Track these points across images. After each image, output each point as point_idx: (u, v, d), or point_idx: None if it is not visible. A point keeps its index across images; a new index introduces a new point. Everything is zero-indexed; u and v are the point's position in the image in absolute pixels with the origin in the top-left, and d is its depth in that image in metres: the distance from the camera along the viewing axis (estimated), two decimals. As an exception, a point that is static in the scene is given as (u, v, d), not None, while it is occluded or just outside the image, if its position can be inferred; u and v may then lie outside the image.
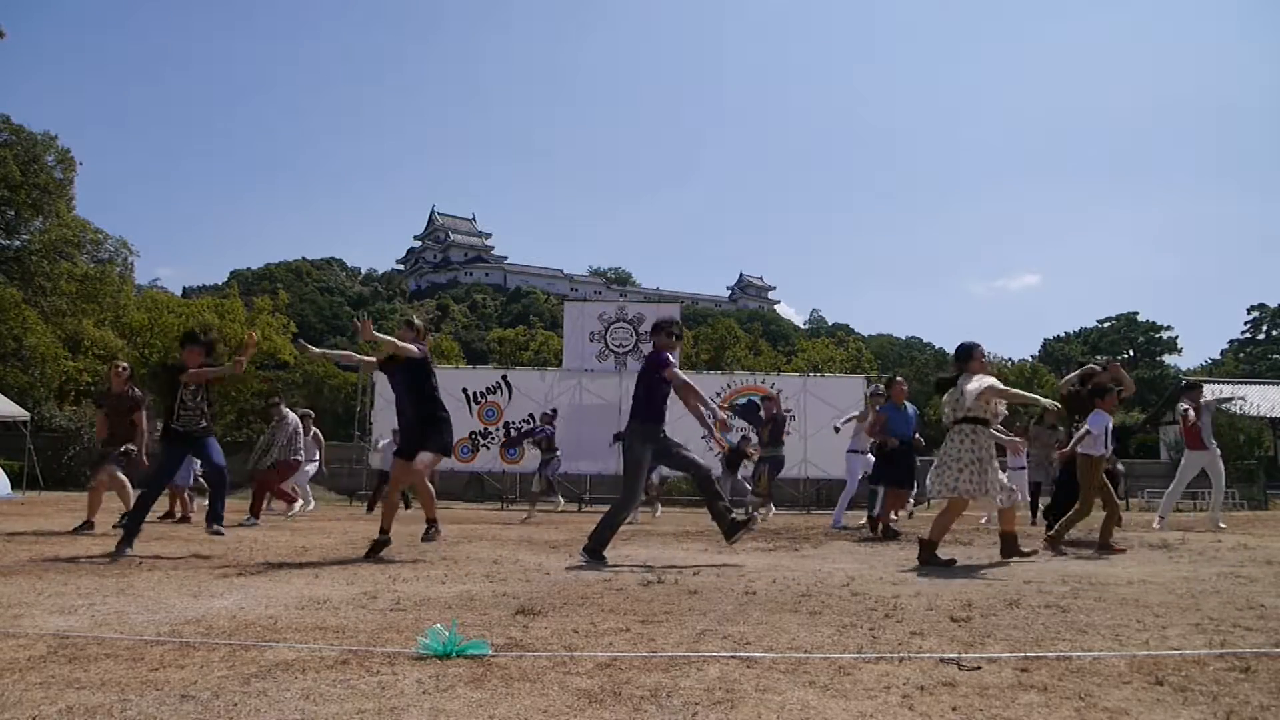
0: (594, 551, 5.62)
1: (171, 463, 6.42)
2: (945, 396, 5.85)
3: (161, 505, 10.24)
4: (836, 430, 11.38)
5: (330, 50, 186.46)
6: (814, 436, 18.36)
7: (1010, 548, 5.91)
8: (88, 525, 7.71)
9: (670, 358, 6.03)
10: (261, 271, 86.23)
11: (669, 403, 6.07)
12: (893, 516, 8.70)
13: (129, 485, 8.12)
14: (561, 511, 14.09)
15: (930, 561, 5.45)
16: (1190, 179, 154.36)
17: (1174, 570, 5.22)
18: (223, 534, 6.81)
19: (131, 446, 8.12)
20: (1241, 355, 53.11)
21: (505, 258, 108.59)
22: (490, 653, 2.65)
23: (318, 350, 6.67)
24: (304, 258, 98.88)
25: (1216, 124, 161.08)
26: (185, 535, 7.66)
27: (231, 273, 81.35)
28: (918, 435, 8.79)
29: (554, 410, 14.48)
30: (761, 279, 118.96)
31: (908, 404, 8.69)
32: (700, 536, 8.22)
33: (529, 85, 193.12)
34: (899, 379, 9.17)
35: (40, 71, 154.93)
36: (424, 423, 5.80)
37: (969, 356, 5.88)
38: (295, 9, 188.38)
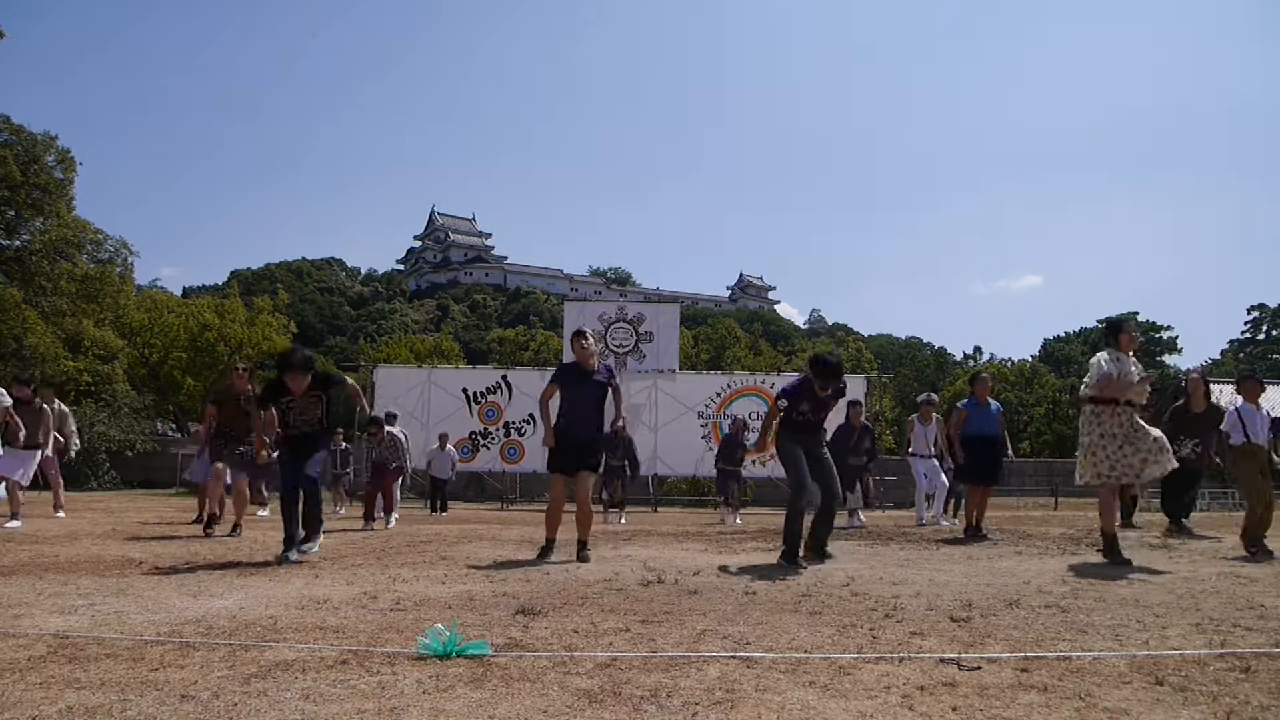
0: (790, 555, 5.52)
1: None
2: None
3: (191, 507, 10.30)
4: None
5: (330, 50, 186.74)
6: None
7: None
8: (212, 520, 7.89)
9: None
10: (261, 271, 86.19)
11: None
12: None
13: (246, 490, 8.20)
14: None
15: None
16: (1191, 179, 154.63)
17: (1174, 570, 5.21)
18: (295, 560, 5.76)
19: (251, 443, 8.15)
20: (1241, 355, 53.08)
21: (505, 258, 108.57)
22: (490, 653, 2.65)
23: None
24: (304, 258, 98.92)
25: (1217, 125, 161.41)
26: (186, 535, 7.66)
27: (231, 273, 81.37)
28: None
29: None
30: (761, 279, 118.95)
31: (991, 400, 8.64)
32: (700, 536, 8.22)
33: (529, 85, 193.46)
34: (984, 375, 9.12)
35: (40, 71, 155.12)
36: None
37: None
38: (295, 9, 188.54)
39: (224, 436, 8.05)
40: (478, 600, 3.84)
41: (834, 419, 10.58)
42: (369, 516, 9.84)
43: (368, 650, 2.71)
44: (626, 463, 11.98)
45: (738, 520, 11.85)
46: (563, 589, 4.22)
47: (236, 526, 7.76)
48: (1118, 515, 5.69)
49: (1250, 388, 6.95)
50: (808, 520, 5.73)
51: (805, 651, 2.76)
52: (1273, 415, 7.02)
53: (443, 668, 2.48)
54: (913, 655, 2.70)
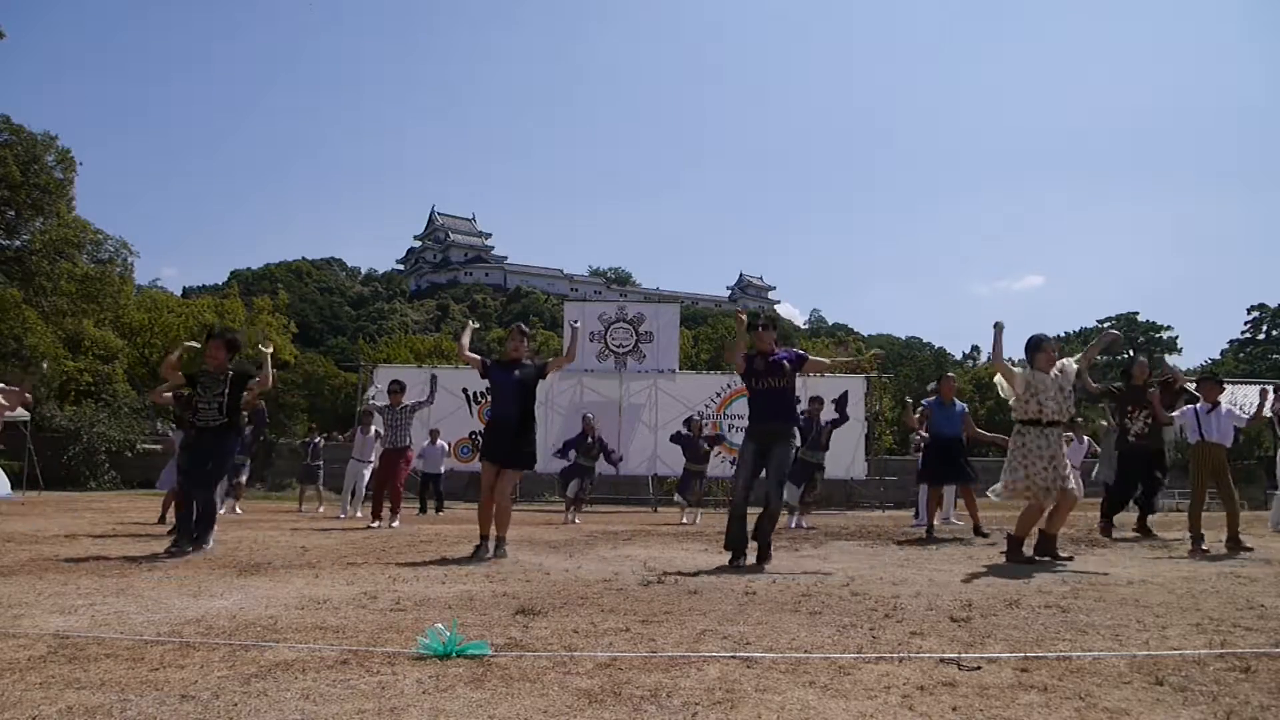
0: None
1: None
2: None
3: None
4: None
5: (330, 50, 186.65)
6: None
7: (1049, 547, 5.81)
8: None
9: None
10: (261, 271, 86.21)
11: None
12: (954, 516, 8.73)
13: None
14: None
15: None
16: (1191, 179, 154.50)
17: (1174, 570, 5.21)
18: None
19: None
20: (1241, 355, 53.05)
21: (505, 258, 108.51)
22: (490, 653, 2.65)
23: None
24: (304, 258, 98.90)
25: (1218, 125, 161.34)
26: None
27: (231, 273, 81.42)
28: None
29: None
30: (761, 279, 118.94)
31: (956, 401, 8.68)
32: (700, 536, 8.22)
33: (529, 85, 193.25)
34: (950, 375, 9.18)
35: (40, 71, 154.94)
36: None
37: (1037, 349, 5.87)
38: (296, 9, 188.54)
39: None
40: (478, 600, 3.84)
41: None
42: (376, 514, 9.57)
43: (368, 650, 2.71)
44: (601, 458, 11.99)
45: (697, 519, 11.88)
46: (563, 589, 4.22)
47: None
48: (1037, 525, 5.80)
49: (1209, 388, 7.04)
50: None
51: (805, 651, 2.76)
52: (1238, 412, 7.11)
53: (443, 668, 2.48)
54: (913, 655, 2.70)
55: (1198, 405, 7.02)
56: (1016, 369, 6.00)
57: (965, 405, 8.92)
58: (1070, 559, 5.71)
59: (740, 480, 5.64)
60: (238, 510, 11.45)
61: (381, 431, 10.73)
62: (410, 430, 10.00)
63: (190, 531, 5.94)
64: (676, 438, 12.52)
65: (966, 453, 8.60)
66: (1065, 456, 5.75)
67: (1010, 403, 5.96)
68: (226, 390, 6.06)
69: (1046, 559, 5.63)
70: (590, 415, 12.99)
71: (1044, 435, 5.68)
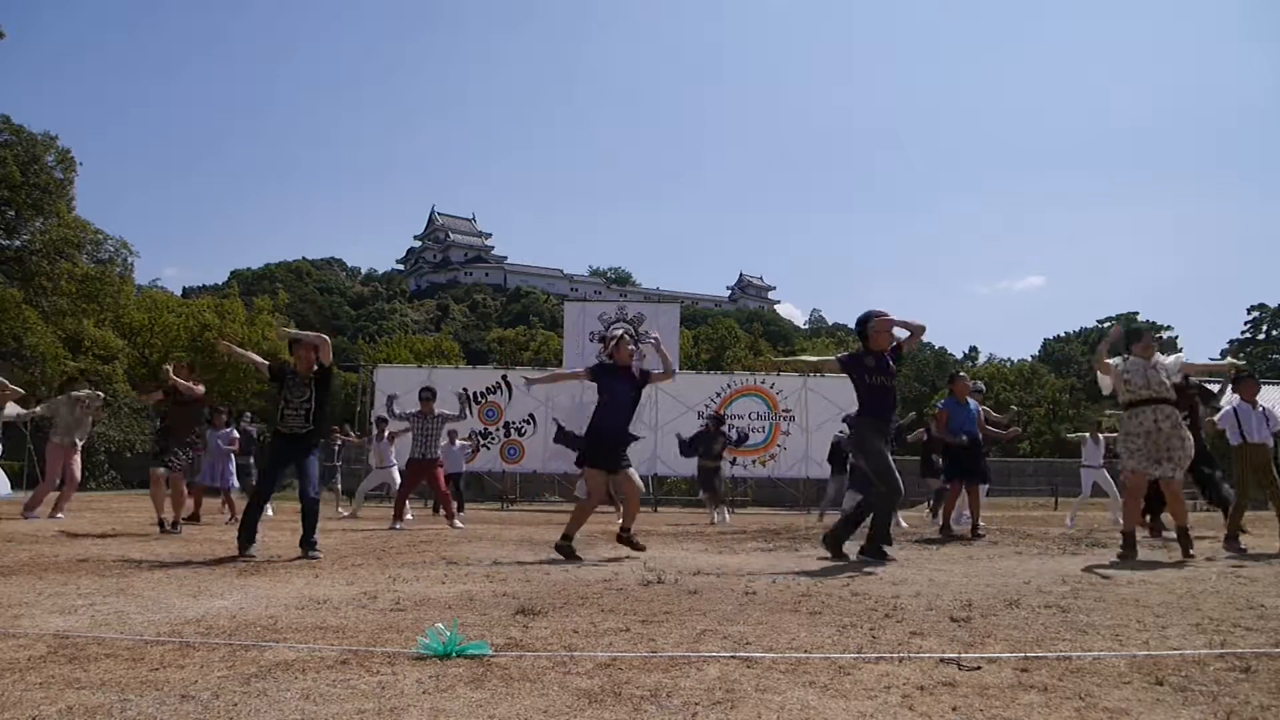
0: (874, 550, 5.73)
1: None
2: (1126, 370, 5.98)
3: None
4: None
5: (331, 50, 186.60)
6: (815, 433, 18.38)
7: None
8: (164, 523, 7.97)
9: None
10: (262, 271, 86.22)
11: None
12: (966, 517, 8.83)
13: (183, 489, 8.59)
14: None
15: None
16: (1191, 179, 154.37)
17: (1174, 570, 5.21)
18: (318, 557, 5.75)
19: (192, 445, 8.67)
20: (1241, 355, 53.08)
21: (505, 258, 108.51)
22: (490, 653, 2.65)
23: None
24: (304, 258, 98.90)
25: (1218, 125, 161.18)
26: (186, 535, 7.67)
27: (232, 273, 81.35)
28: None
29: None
30: (761, 279, 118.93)
31: (970, 400, 8.73)
32: (700, 536, 8.23)
33: (529, 85, 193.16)
34: (962, 374, 9.22)
35: (40, 71, 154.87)
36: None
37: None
38: (296, 9, 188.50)
39: (167, 436, 8.27)
40: (478, 600, 3.84)
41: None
42: (399, 515, 9.48)
43: (368, 650, 2.71)
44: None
45: (728, 517, 11.83)
46: (563, 589, 4.22)
47: (175, 524, 7.94)
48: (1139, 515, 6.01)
49: (1247, 387, 7.00)
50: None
51: (805, 651, 2.76)
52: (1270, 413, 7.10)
53: (443, 668, 2.48)
54: (913, 655, 2.70)
55: (1237, 405, 7.02)
56: (1113, 360, 6.20)
57: (979, 405, 8.98)
58: (1192, 555, 5.85)
59: (885, 475, 5.86)
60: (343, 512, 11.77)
61: (394, 431, 10.82)
62: (439, 440, 9.91)
63: (254, 534, 5.76)
64: (696, 438, 12.33)
65: (984, 453, 8.65)
66: (1168, 436, 5.82)
67: (1114, 394, 6.19)
68: (313, 395, 5.95)
69: (1191, 554, 5.79)
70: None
71: (1135, 416, 5.86)
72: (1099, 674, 2.47)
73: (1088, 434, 11.22)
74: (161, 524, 7.87)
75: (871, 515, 5.90)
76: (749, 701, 2.17)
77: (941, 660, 2.61)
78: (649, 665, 2.56)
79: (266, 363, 6.31)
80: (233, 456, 10.75)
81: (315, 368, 6.01)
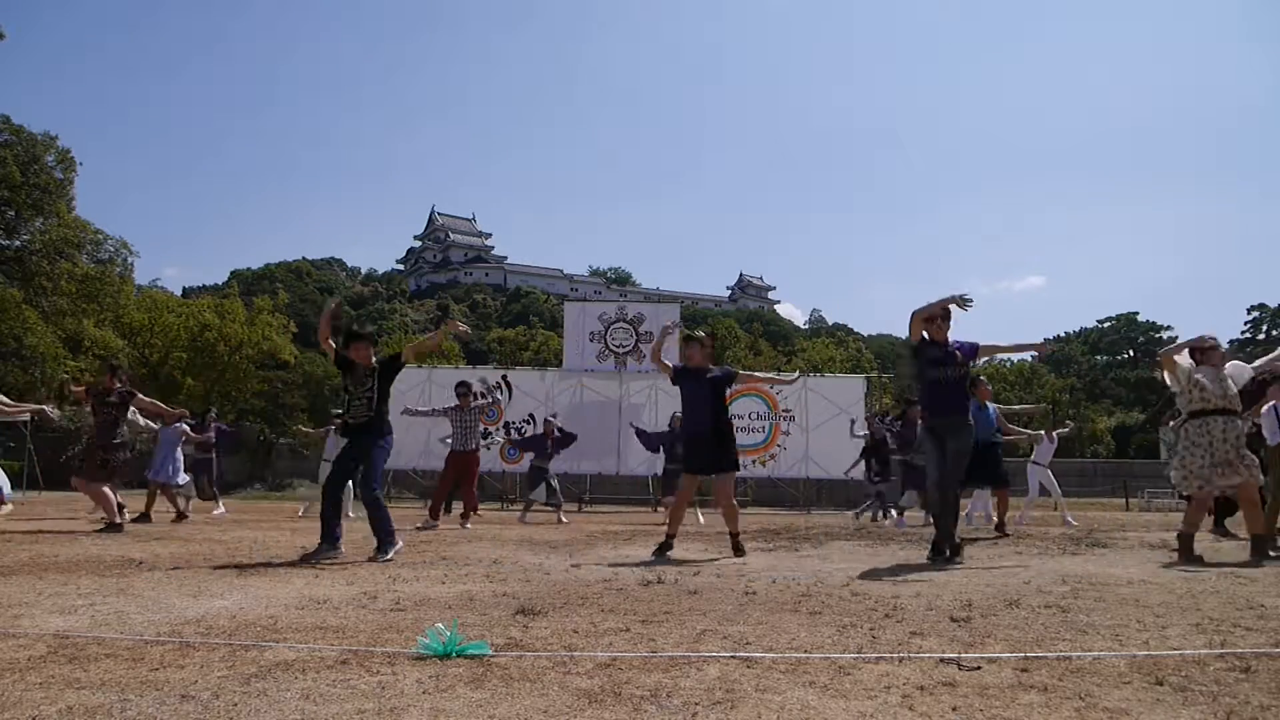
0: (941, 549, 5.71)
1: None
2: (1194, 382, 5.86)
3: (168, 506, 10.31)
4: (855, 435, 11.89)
5: (331, 50, 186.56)
6: (815, 433, 18.38)
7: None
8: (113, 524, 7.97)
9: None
10: (262, 271, 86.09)
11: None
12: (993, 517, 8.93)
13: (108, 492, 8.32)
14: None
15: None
16: (1191, 179, 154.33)
17: (1174, 570, 5.21)
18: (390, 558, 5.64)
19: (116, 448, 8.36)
20: (1241, 355, 53.11)
21: (505, 258, 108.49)
22: (490, 653, 2.65)
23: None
24: (304, 258, 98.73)
25: (1218, 125, 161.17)
26: (184, 535, 7.67)
27: (232, 272, 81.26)
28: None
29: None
30: (761, 279, 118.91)
31: (990, 404, 8.78)
32: (700, 536, 8.23)
33: (529, 85, 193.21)
34: (982, 379, 9.26)
35: (40, 71, 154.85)
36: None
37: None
38: (296, 9, 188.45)
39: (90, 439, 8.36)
40: (478, 600, 3.84)
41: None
42: (435, 514, 9.34)
43: (368, 650, 2.71)
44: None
45: (700, 519, 11.82)
46: (563, 589, 4.22)
47: (113, 525, 7.93)
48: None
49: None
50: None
51: (805, 651, 2.76)
52: None
53: (443, 668, 2.48)
54: (913, 655, 2.70)
55: (1276, 404, 7.03)
56: (1184, 362, 6.01)
57: (997, 407, 9.05)
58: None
59: (933, 475, 5.86)
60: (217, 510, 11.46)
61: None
62: (478, 432, 9.87)
63: (334, 534, 5.69)
64: (657, 436, 12.19)
65: (1002, 455, 8.73)
66: (1234, 446, 5.71)
67: (1177, 397, 6.07)
68: (375, 384, 5.96)
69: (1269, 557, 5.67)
70: (553, 417, 13.13)
71: (1203, 425, 5.74)
72: (1099, 674, 2.47)
73: (1043, 431, 11.35)
74: (108, 524, 7.93)
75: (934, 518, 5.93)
76: (749, 701, 2.17)
77: (941, 660, 2.61)
78: (649, 665, 2.56)
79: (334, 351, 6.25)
80: (180, 454, 10.47)
81: (374, 363, 6.05)
